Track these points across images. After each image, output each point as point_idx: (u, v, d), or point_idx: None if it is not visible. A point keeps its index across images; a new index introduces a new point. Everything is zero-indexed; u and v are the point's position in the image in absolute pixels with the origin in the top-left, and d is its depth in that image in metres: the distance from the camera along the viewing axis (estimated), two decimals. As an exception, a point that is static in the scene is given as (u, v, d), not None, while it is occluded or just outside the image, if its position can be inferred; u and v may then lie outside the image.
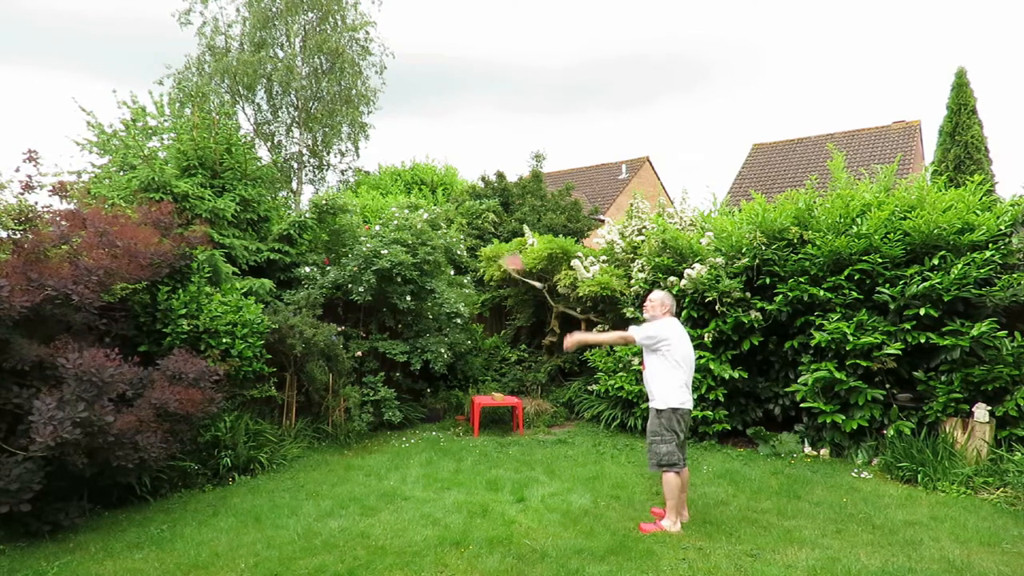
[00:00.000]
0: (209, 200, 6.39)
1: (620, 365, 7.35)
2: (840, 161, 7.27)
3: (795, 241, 6.40)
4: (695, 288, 6.56)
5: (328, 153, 20.18)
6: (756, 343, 6.36)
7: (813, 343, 5.89)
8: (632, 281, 7.41)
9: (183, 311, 5.17)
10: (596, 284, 7.60)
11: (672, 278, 6.78)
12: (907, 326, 5.55)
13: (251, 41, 18.64)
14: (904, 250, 5.77)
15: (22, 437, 3.74)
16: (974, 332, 5.19)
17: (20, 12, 28.96)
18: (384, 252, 7.06)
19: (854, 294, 5.84)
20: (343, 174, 21.11)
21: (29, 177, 4.55)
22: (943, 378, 5.45)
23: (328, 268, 7.33)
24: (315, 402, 6.77)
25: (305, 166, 19.91)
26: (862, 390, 5.66)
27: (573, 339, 4.36)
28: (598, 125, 69.72)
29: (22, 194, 4.54)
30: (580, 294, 7.87)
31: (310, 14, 19.09)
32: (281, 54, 19.12)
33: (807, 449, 6.07)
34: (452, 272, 8.76)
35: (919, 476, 5.04)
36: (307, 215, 7.63)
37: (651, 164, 25.12)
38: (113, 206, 5.42)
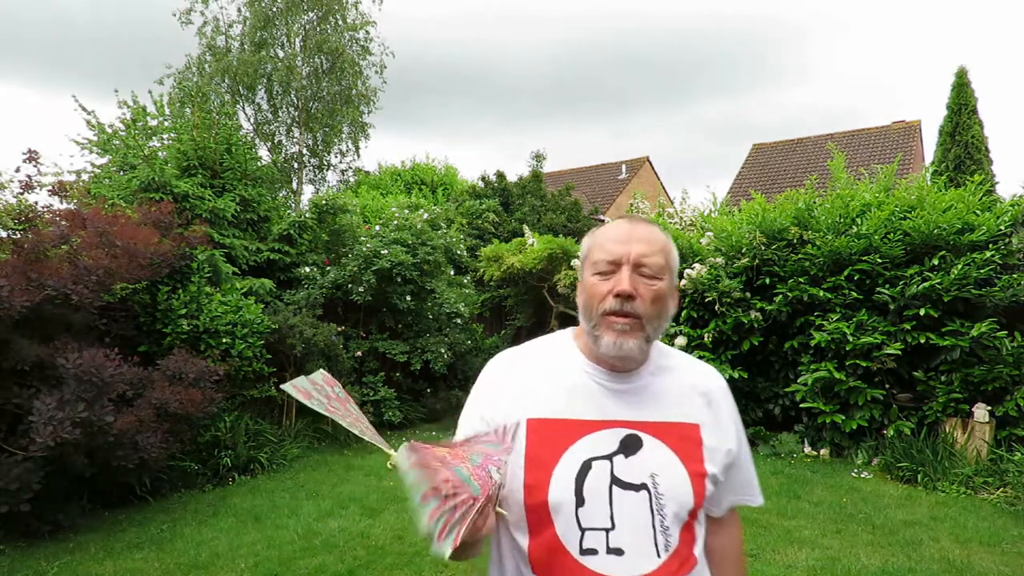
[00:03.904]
0: (209, 200, 6.39)
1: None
2: (840, 161, 7.27)
3: (795, 241, 6.40)
4: (695, 288, 6.56)
5: (328, 153, 20.17)
6: (756, 343, 6.36)
7: (813, 343, 5.89)
8: (632, 281, 7.40)
9: (183, 311, 5.17)
10: (596, 284, 7.58)
11: (672, 278, 6.78)
12: (907, 326, 5.54)
13: (251, 41, 18.63)
14: (904, 250, 5.76)
15: (22, 437, 3.73)
16: (974, 332, 5.18)
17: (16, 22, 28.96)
18: (384, 252, 7.06)
19: (854, 294, 5.84)
20: (343, 174, 21.11)
21: (29, 177, 4.55)
22: (943, 378, 5.45)
23: (328, 268, 7.34)
24: (315, 402, 6.77)
25: (305, 166, 19.90)
26: (862, 390, 5.65)
27: None
28: (598, 125, 69.74)
29: (22, 194, 4.55)
30: (580, 294, 7.86)
31: (310, 14, 19.09)
32: (281, 54, 19.12)
33: (807, 449, 6.07)
34: (452, 272, 8.76)
35: (919, 476, 5.04)
36: (307, 215, 7.64)
37: (651, 164, 25.12)
38: (113, 206, 5.42)
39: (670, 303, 1.07)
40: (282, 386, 0.75)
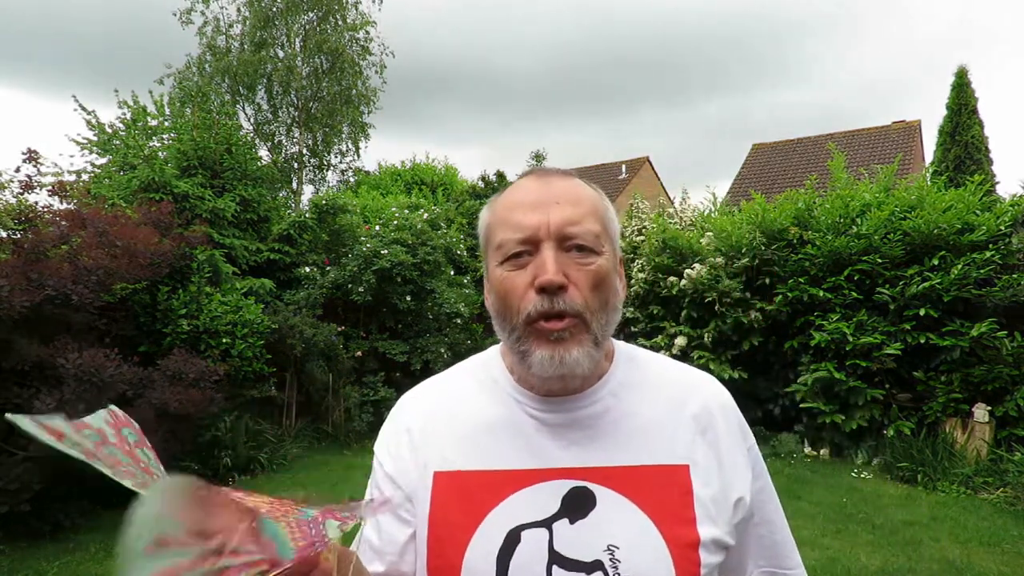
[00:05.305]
0: (209, 200, 6.39)
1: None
2: (840, 161, 7.27)
3: (795, 241, 6.40)
4: (695, 288, 6.56)
5: (328, 153, 20.18)
6: (756, 343, 6.36)
7: (813, 343, 5.89)
8: (632, 281, 7.41)
9: (183, 311, 5.17)
10: (596, 284, 7.59)
11: (672, 278, 6.79)
12: (907, 326, 5.54)
13: (251, 41, 18.64)
14: (904, 250, 5.76)
15: (22, 437, 3.74)
16: (974, 332, 5.18)
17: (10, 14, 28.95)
18: (384, 252, 7.07)
19: (854, 294, 5.84)
20: (343, 174, 21.13)
21: (29, 177, 4.55)
22: (943, 378, 5.45)
23: (328, 268, 7.34)
24: (315, 402, 6.77)
25: (305, 166, 19.91)
26: (862, 390, 5.65)
27: None
28: (598, 125, 69.80)
29: (22, 194, 4.55)
30: (580, 294, 7.86)
31: (310, 14, 19.10)
32: (281, 54, 19.13)
33: (807, 449, 6.07)
34: (452, 272, 8.77)
35: (919, 476, 5.04)
36: (307, 215, 7.65)
37: (651, 164, 25.13)
38: (113, 206, 5.42)
39: (617, 285, 0.74)
40: (10, 417, 0.47)
